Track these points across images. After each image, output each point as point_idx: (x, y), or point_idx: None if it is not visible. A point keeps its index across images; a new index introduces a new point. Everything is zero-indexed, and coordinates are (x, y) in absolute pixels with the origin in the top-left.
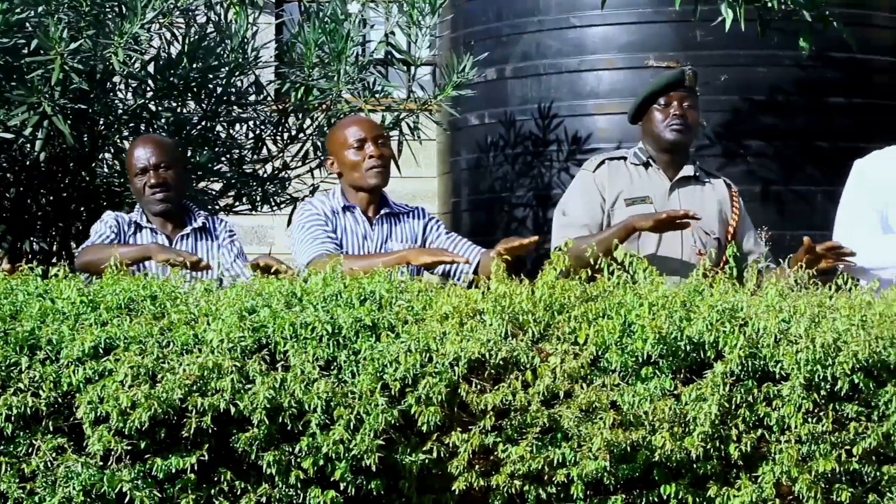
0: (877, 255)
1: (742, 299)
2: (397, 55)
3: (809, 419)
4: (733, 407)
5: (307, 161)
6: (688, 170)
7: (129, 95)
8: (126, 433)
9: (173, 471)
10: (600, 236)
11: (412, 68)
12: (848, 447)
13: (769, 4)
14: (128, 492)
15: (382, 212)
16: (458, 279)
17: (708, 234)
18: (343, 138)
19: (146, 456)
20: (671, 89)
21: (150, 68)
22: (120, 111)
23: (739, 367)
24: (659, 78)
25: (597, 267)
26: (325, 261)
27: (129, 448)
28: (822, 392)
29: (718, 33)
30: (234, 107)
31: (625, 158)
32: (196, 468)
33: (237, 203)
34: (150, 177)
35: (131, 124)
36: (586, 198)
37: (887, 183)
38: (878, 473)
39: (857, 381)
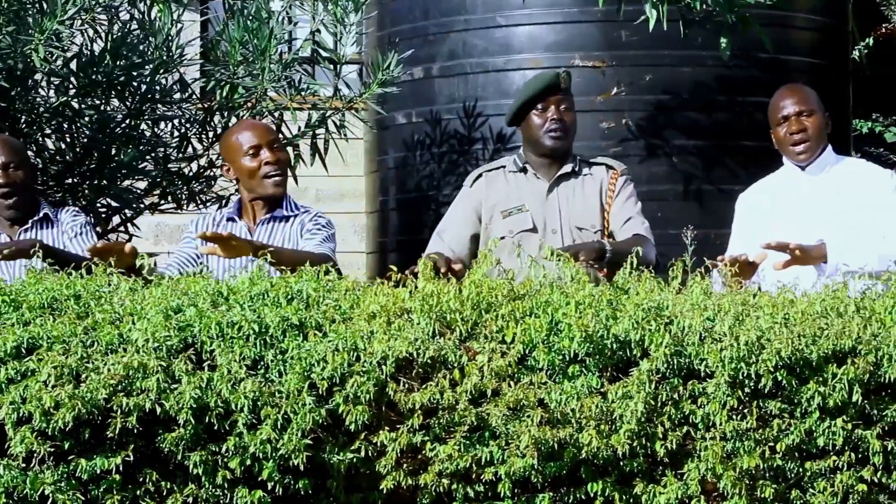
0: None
1: (667, 298)
2: (323, 53)
3: (734, 416)
4: (659, 404)
5: None
6: (566, 168)
7: (52, 93)
8: (49, 434)
9: (98, 472)
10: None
11: (338, 66)
12: (771, 444)
13: (691, 5)
14: (50, 494)
15: (265, 216)
16: None
17: (584, 230)
18: (237, 145)
19: (70, 457)
20: (549, 94)
21: (73, 65)
22: (42, 109)
23: (665, 365)
24: (535, 81)
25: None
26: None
27: (53, 449)
28: (746, 389)
29: (643, 33)
30: (159, 105)
31: (504, 167)
32: (121, 469)
33: (162, 202)
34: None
35: (53, 122)
36: (458, 215)
37: (756, 216)
38: (800, 469)
39: (780, 378)
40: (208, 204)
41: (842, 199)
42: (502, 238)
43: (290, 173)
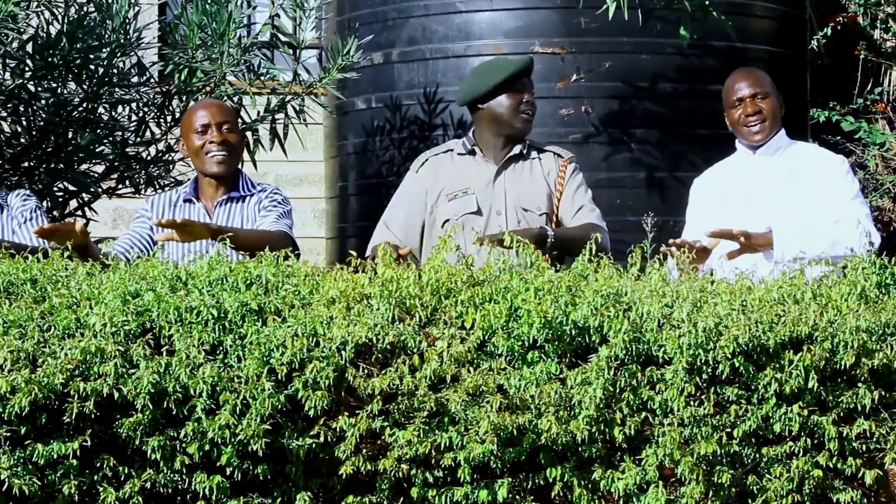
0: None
1: (626, 284)
2: (282, 37)
3: (691, 402)
4: (618, 391)
5: None
6: (515, 149)
7: (7, 76)
8: (5, 419)
9: (55, 457)
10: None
11: (297, 51)
12: (729, 430)
13: None
14: (7, 479)
15: (222, 198)
16: None
17: (529, 211)
18: (189, 122)
19: (26, 442)
20: (524, 76)
21: (29, 48)
22: None
23: (624, 352)
24: (513, 63)
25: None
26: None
27: (9, 434)
28: (704, 376)
29: (603, 20)
30: (117, 88)
31: (452, 150)
32: (78, 454)
33: (120, 186)
34: None
35: (9, 105)
36: (404, 200)
37: (706, 200)
38: (757, 455)
39: (737, 364)
40: (166, 188)
41: (793, 181)
42: (447, 221)
43: (246, 156)
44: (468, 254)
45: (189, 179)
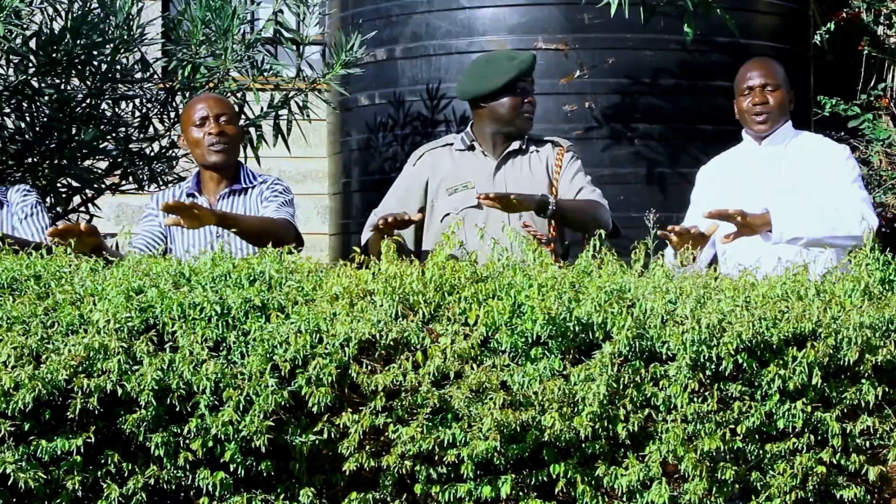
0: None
1: (630, 280)
2: (286, 34)
3: (695, 399)
4: (621, 387)
5: None
6: (514, 145)
7: (11, 71)
8: (9, 414)
9: (58, 453)
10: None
11: (301, 47)
12: (732, 426)
13: None
14: (11, 474)
15: (224, 191)
16: None
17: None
18: (188, 115)
19: (30, 438)
20: (529, 74)
21: (32, 44)
22: (1, 87)
23: (627, 348)
24: (518, 63)
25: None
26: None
27: (13, 430)
28: (708, 372)
29: (606, 16)
30: (120, 84)
31: (451, 145)
32: (82, 450)
33: (123, 182)
34: None
35: (13, 101)
36: (401, 193)
37: (711, 188)
38: (761, 451)
39: (740, 361)
40: (170, 185)
41: (796, 169)
42: (447, 215)
43: (250, 153)
44: (471, 248)
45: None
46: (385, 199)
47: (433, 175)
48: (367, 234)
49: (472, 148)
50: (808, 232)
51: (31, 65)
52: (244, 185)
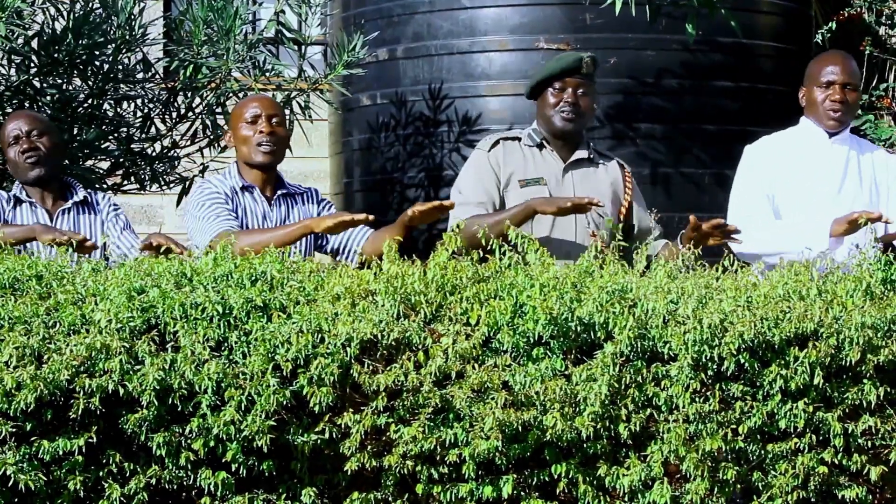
0: (769, 242)
1: (631, 280)
2: (287, 34)
3: (697, 399)
4: (623, 387)
5: (196, 140)
6: (581, 152)
7: (13, 71)
8: (11, 415)
9: (60, 453)
10: (497, 217)
11: (303, 47)
12: (734, 426)
13: None
14: (12, 475)
15: (280, 192)
16: (348, 258)
17: (602, 217)
18: (240, 113)
19: (32, 438)
20: (568, 75)
21: (34, 44)
22: (3, 87)
23: (629, 348)
24: (556, 61)
25: (489, 248)
26: (230, 238)
27: (14, 430)
28: (709, 372)
29: (608, 16)
30: (122, 84)
31: (519, 139)
32: (84, 450)
33: (125, 182)
34: (22, 143)
35: (14, 101)
36: (481, 177)
37: (774, 169)
38: (762, 451)
39: (742, 361)
40: (171, 185)
41: (876, 176)
42: None
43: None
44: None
45: (192, 176)
46: (464, 184)
47: (505, 164)
48: (456, 218)
49: (541, 146)
50: None
51: (32, 65)
52: (291, 190)
